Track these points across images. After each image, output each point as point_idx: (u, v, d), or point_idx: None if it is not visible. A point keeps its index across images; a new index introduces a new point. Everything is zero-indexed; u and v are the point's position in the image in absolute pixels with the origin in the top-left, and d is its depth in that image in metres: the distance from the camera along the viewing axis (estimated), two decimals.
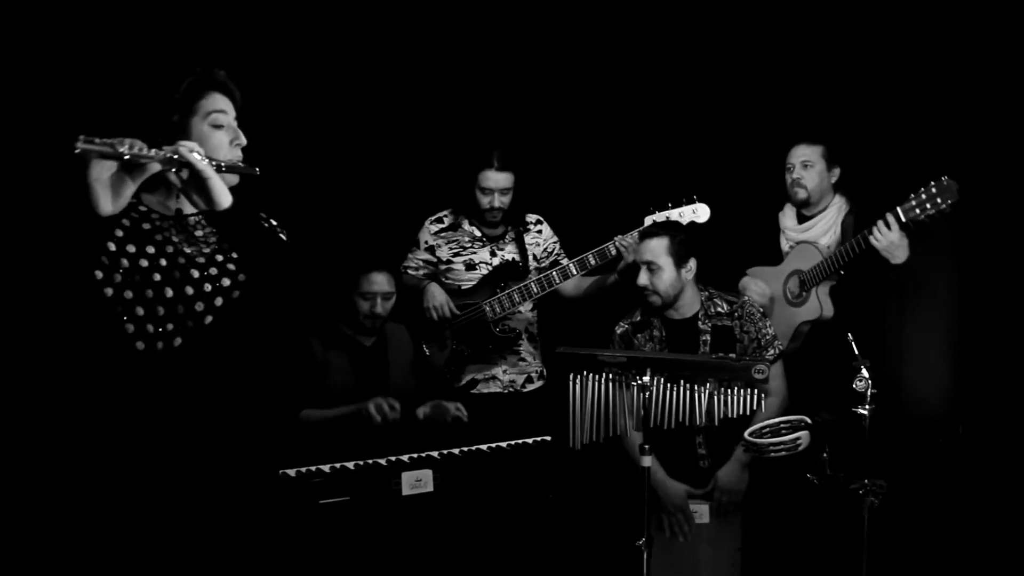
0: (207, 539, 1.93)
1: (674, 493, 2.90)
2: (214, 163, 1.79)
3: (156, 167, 1.74)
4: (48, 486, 2.80)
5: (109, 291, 1.84)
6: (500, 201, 3.44)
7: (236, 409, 1.98)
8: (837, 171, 3.32)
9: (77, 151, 1.63)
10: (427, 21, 3.87)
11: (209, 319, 1.92)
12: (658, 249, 2.96)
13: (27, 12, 3.12)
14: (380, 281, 3.19)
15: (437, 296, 3.44)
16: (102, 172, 1.68)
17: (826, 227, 3.30)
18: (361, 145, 3.87)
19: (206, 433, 1.93)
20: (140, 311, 1.86)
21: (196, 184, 1.76)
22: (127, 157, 1.66)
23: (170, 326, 1.89)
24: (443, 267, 3.55)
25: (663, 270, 2.95)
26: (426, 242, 3.57)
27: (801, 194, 3.30)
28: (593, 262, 3.35)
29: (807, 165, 3.29)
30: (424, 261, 3.57)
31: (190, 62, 1.92)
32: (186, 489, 1.90)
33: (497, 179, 3.41)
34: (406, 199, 3.83)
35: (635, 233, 3.29)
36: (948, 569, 3.15)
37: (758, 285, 3.36)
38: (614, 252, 3.33)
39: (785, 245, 3.42)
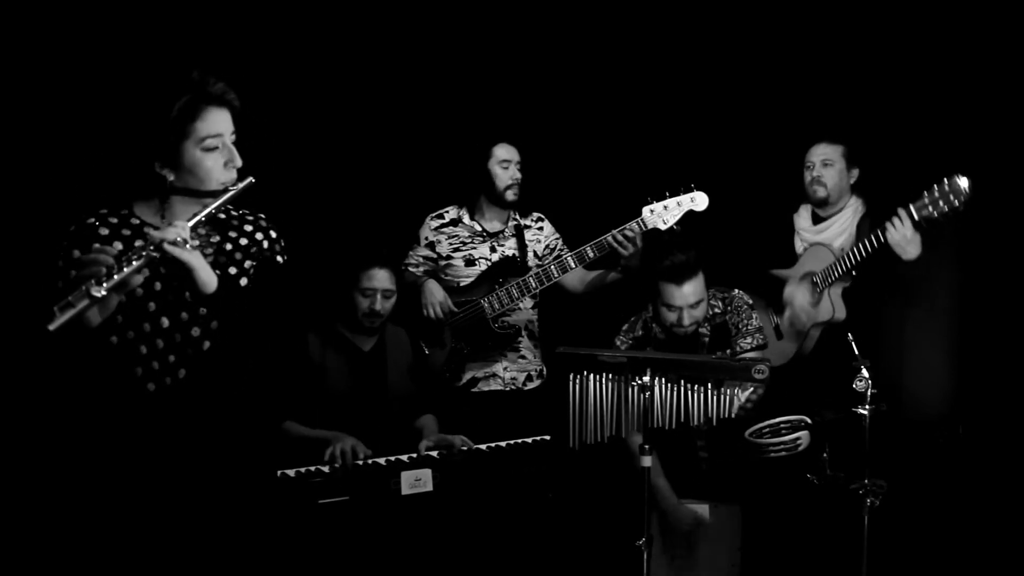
0: (210, 541, 1.96)
1: (685, 520, 2.92)
2: (203, 214, 1.80)
3: (139, 279, 1.73)
4: (65, 503, 2.83)
5: (114, 339, 1.87)
6: (519, 173, 3.47)
7: (238, 421, 2.00)
8: (856, 172, 3.31)
9: (52, 329, 1.60)
10: (422, 17, 3.86)
11: (207, 344, 1.94)
12: (699, 288, 2.95)
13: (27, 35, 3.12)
14: (381, 277, 3.11)
15: (435, 293, 3.42)
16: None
17: (841, 229, 3.29)
18: (362, 142, 3.86)
19: (211, 444, 1.95)
20: (144, 349, 1.90)
21: (182, 272, 1.78)
22: (103, 295, 1.64)
23: (172, 358, 1.92)
24: (443, 263, 3.54)
25: (703, 301, 2.97)
26: (426, 238, 3.55)
27: (820, 192, 3.29)
28: (592, 254, 3.31)
29: (827, 164, 3.27)
30: (424, 258, 3.55)
31: (185, 69, 1.88)
32: (191, 496, 1.94)
33: (512, 151, 3.45)
34: (408, 197, 3.82)
35: (633, 225, 3.23)
36: (948, 569, 3.15)
37: (802, 296, 3.28)
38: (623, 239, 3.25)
39: (799, 246, 3.40)
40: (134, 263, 1.69)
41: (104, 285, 1.64)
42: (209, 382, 1.94)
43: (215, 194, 1.85)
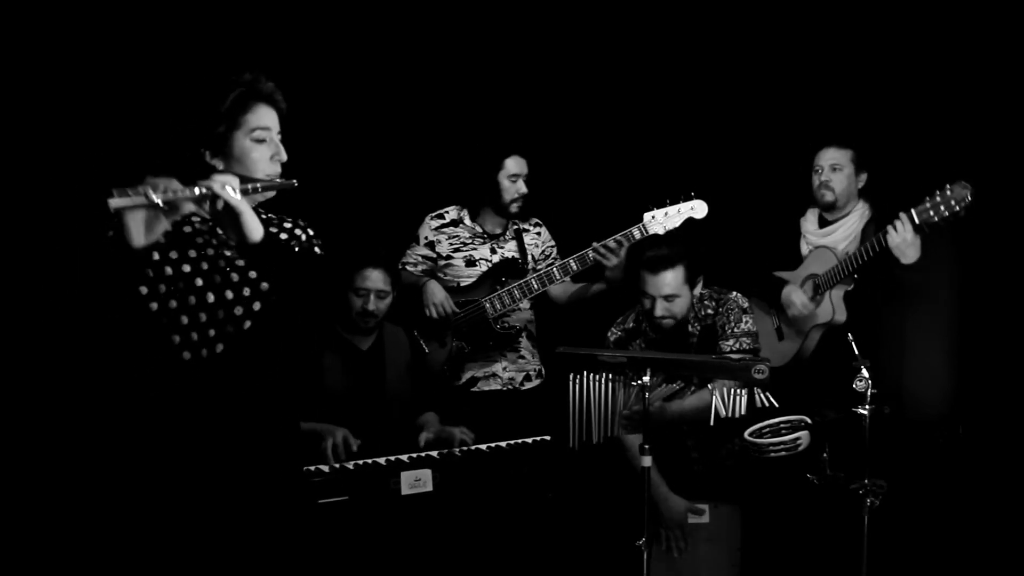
0: (229, 537, 1.98)
1: (676, 510, 2.90)
2: (250, 186, 1.83)
3: (191, 207, 1.79)
4: (94, 482, 2.86)
5: (154, 305, 1.91)
6: (525, 187, 3.46)
7: (269, 409, 2.02)
8: (864, 176, 3.31)
9: (112, 209, 1.67)
10: (424, 22, 3.86)
11: (248, 324, 1.98)
12: (675, 282, 2.93)
13: (81, 21, 3.17)
14: (375, 278, 3.11)
15: (437, 294, 3.43)
16: (136, 210, 1.73)
17: (847, 233, 3.29)
18: (359, 142, 3.85)
19: (238, 424, 1.97)
20: (185, 320, 1.93)
21: (229, 218, 1.80)
22: (161, 204, 1.70)
23: (212, 332, 1.95)
24: (442, 263, 3.54)
25: (681, 297, 2.95)
26: (426, 237, 3.56)
27: (828, 197, 3.29)
28: (592, 257, 3.33)
29: (836, 168, 3.27)
30: (423, 257, 3.56)
31: (237, 69, 1.96)
32: (220, 487, 1.96)
33: (522, 164, 3.45)
34: (405, 197, 3.82)
35: (634, 230, 3.24)
36: (948, 569, 3.15)
37: (799, 296, 3.28)
38: (613, 247, 3.27)
39: (805, 249, 3.41)
40: (192, 192, 1.75)
41: (161, 195, 1.70)
42: (246, 361, 1.98)
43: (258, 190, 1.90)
